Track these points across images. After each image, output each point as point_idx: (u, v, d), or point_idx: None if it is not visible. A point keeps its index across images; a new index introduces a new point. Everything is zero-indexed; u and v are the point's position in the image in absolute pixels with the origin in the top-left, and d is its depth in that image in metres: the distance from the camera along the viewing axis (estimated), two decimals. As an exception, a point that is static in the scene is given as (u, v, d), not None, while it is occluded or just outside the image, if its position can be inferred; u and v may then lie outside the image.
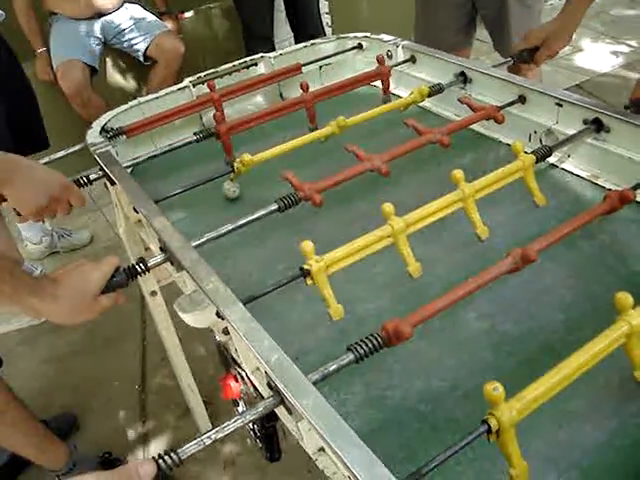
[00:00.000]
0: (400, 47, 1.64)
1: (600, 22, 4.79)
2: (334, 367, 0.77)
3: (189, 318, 0.92)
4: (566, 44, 1.64)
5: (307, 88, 1.47)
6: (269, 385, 0.77)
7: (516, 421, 0.66)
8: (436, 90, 1.47)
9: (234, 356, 1.03)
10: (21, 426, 1.66)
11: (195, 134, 1.41)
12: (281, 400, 0.74)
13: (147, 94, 3.29)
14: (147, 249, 1.51)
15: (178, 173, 1.46)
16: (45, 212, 1.22)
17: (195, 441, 0.72)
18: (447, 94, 1.48)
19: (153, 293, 1.60)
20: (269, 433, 1.09)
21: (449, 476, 0.75)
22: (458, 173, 1.02)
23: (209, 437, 0.72)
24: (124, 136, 1.48)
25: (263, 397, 0.96)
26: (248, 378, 1.01)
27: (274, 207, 1.10)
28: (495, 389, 0.65)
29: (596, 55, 4.26)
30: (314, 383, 0.74)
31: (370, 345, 0.79)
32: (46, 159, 1.43)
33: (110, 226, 3.04)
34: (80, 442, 1.96)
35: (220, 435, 0.73)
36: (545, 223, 1.13)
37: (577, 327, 0.93)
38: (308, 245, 0.91)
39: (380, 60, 1.54)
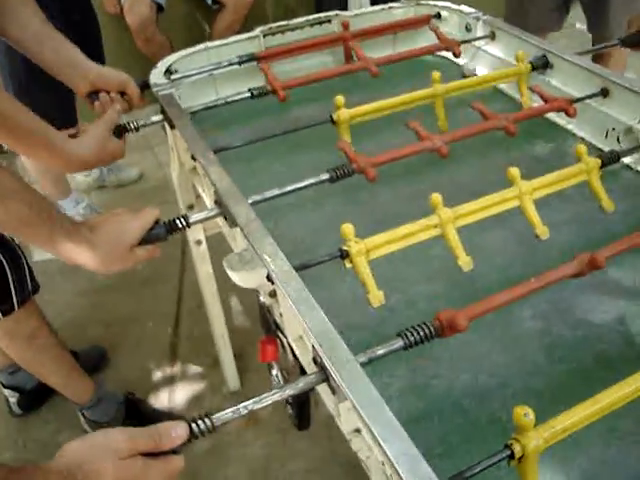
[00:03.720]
0: (480, 21, 1.57)
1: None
2: (382, 351, 0.75)
3: (237, 277, 0.90)
4: None
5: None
6: (314, 360, 0.75)
7: (541, 450, 0.63)
8: (540, 64, 1.40)
9: (277, 320, 1.01)
10: (50, 354, 1.68)
11: (249, 90, 1.39)
12: (326, 378, 0.72)
13: (212, 38, 3.29)
14: (198, 197, 1.50)
15: (238, 123, 1.44)
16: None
17: (231, 409, 0.70)
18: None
19: (198, 242, 1.59)
20: (302, 402, 1.07)
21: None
22: (514, 171, 0.98)
23: (246, 407, 0.71)
24: (192, 78, 1.46)
25: (302, 366, 0.95)
26: (289, 345, 0.99)
27: (326, 176, 1.07)
28: (526, 415, 0.62)
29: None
30: (361, 365, 0.72)
31: (422, 333, 0.76)
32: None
33: (160, 166, 3.04)
34: (106, 378, 1.98)
35: (257, 406, 0.71)
36: (612, 227, 1.08)
37: (638, 343, 0.89)
38: (348, 227, 0.88)
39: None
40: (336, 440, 1.73)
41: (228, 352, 1.87)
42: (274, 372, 1.16)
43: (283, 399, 0.73)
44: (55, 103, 2.12)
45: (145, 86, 1.39)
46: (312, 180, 1.06)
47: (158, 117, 1.32)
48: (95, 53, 2.32)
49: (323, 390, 0.80)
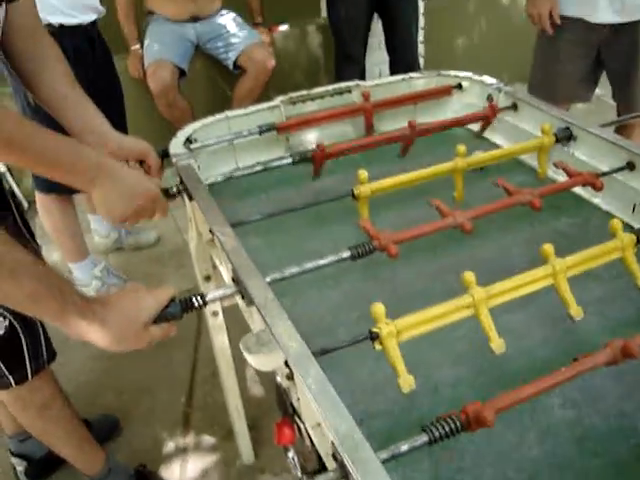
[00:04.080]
0: (502, 92, 1.57)
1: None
2: (405, 447, 0.71)
3: (254, 360, 0.87)
4: None
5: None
6: (334, 457, 0.70)
7: None
8: (564, 136, 1.38)
9: (294, 404, 0.97)
10: (63, 424, 1.65)
11: (291, 156, 1.38)
12: (345, 476, 0.68)
13: (233, 103, 3.34)
14: (215, 267, 1.47)
15: (257, 194, 1.43)
16: (127, 220, 1.20)
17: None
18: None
19: (214, 313, 1.56)
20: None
21: None
22: (549, 247, 0.95)
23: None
24: (211, 148, 1.46)
25: (319, 455, 0.91)
26: (306, 431, 0.95)
27: (347, 254, 1.04)
28: None
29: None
30: (382, 462, 0.67)
31: (447, 428, 0.72)
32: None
33: (178, 230, 3.04)
34: (118, 448, 1.93)
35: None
36: (644, 307, 1.05)
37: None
38: (379, 308, 0.84)
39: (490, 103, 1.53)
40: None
41: (242, 424, 1.82)
42: (290, 455, 1.12)
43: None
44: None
45: (166, 154, 1.39)
46: (333, 258, 1.03)
47: (176, 188, 1.32)
48: (117, 119, 2.35)
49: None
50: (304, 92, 1.63)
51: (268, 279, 0.97)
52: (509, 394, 0.75)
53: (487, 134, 1.60)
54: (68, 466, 1.79)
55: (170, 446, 1.98)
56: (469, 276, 0.88)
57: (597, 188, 1.24)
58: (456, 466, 0.82)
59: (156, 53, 3.17)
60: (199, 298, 0.96)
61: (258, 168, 1.38)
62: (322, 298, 1.12)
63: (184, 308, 0.96)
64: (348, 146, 1.44)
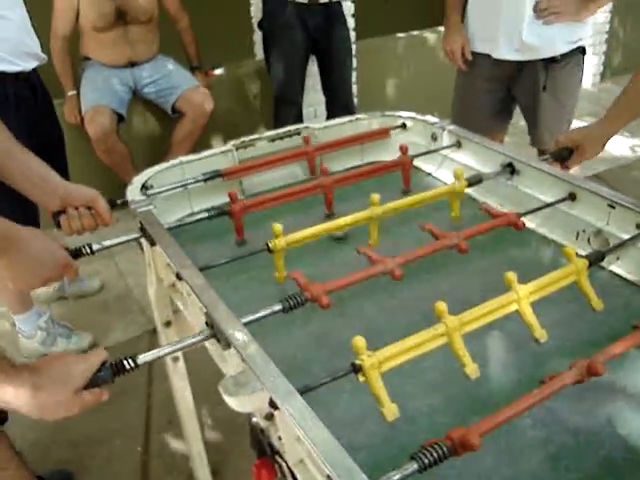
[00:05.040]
0: (446, 131, 1.64)
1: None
2: (397, 477, 0.73)
3: (235, 402, 0.88)
4: (598, 153, 1.58)
5: (327, 173, 1.47)
6: (331, 491, 0.72)
7: None
8: (475, 181, 1.44)
9: (274, 443, 0.98)
10: (21, 485, 1.60)
11: (208, 211, 1.38)
12: (343, 508, 0.70)
13: (172, 147, 3.35)
14: (176, 312, 1.48)
15: (213, 237, 1.44)
16: (35, 287, 1.19)
17: None
18: (492, 183, 1.47)
19: (175, 359, 1.55)
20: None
21: None
22: (511, 275, 1.00)
23: None
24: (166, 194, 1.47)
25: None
26: (288, 469, 0.96)
27: (278, 307, 1.04)
28: None
29: (614, 147, 4.30)
30: (377, 492, 0.70)
31: (435, 455, 0.75)
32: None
33: (121, 275, 3.00)
34: (75, 503, 1.88)
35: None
36: (597, 328, 1.11)
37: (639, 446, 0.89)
38: (360, 340, 0.87)
39: (403, 150, 1.54)
40: None
41: (205, 470, 1.80)
42: (268, 495, 1.12)
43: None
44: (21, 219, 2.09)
45: (113, 204, 1.39)
46: (265, 312, 1.03)
47: (134, 235, 1.32)
48: (60, 164, 2.33)
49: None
50: (255, 136, 1.66)
51: (243, 320, 0.98)
52: (490, 418, 0.79)
53: (434, 172, 1.67)
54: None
55: (129, 497, 1.94)
56: (441, 305, 0.92)
57: (519, 228, 1.29)
58: (441, 492, 0.84)
59: (94, 99, 3.16)
60: (130, 361, 0.95)
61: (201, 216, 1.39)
62: (291, 337, 1.14)
63: (115, 372, 0.94)
64: (264, 199, 1.43)
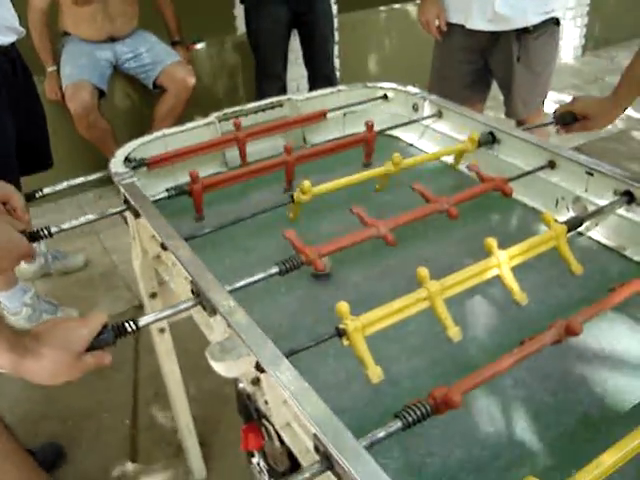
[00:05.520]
0: (427, 101, 1.65)
1: (599, 89, 4.91)
2: (382, 434, 0.75)
3: (222, 367, 0.89)
4: (604, 127, 1.59)
5: (291, 151, 1.46)
6: (316, 448, 0.74)
7: None
8: (487, 140, 1.47)
9: (261, 407, 1.00)
10: (12, 458, 1.61)
11: (167, 190, 1.37)
12: (331, 466, 0.72)
13: (154, 122, 3.33)
14: (161, 284, 1.49)
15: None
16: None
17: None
18: (474, 153, 1.49)
19: (162, 330, 1.57)
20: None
21: None
22: (491, 241, 1.02)
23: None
24: (145, 168, 1.47)
25: (292, 452, 0.94)
26: (275, 432, 0.98)
27: (274, 270, 1.06)
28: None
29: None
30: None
31: (418, 413, 0.77)
32: (64, 184, 1.41)
33: (106, 252, 3.00)
34: (65, 475, 1.90)
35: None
36: (575, 292, 1.14)
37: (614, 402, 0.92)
38: (344, 306, 0.89)
39: (368, 127, 1.55)
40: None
41: (194, 441, 1.82)
42: (255, 460, 1.14)
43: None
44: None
45: (31, 197, 1.36)
46: (262, 275, 1.04)
47: (119, 207, 1.32)
48: (41, 139, 2.32)
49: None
50: (238, 108, 1.66)
51: (228, 288, 1.00)
52: (471, 376, 0.81)
53: (416, 142, 1.68)
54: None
55: (118, 469, 1.96)
56: (422, 271, 0.94)
57: (507, 194, 1.31)
58: (425, 450, 0.87)
59: (74, 74, 3.13)
60: (132, 323, 0.96)
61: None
62: (277, 305, 1.15)
63: (117, 334, 0.95)
64: (225, 177, 1.43)
